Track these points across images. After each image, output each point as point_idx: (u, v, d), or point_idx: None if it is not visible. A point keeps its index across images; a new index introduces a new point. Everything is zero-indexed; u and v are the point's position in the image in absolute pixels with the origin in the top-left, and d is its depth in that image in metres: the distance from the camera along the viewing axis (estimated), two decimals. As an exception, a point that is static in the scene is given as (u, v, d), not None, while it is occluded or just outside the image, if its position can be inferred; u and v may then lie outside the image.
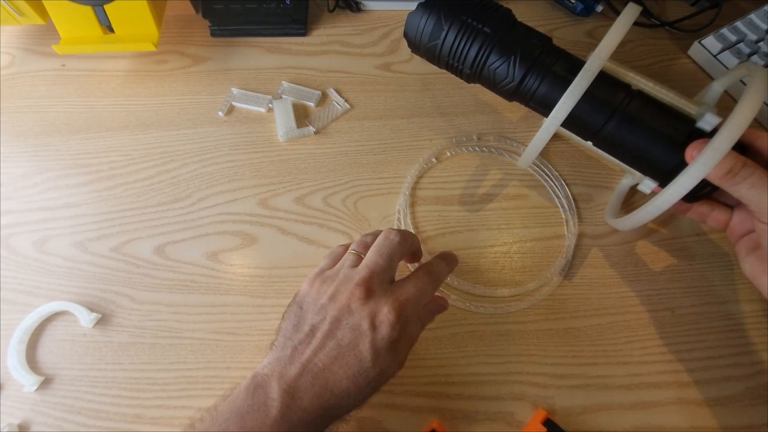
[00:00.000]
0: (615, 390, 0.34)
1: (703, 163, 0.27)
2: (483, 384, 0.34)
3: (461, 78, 0.38)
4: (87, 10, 0.42)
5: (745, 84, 0.30)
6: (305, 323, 0.27)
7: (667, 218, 0.40)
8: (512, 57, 0.34)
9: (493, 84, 0.36)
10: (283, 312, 0.29)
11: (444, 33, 0.35)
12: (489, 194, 0.41)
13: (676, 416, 0.33)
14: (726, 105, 0.28)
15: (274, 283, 0.37)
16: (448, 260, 0.32)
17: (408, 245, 0.30)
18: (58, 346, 0.34)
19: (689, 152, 0.29)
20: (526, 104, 0.36)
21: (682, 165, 0.29)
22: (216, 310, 0.36)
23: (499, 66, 0.34)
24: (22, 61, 0.47)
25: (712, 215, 0.32)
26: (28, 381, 0.33)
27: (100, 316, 0.35)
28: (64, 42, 0.44)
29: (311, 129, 0.43)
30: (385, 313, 0.26)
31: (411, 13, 0.36)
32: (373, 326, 0.26)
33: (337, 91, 0.45)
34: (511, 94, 0.36)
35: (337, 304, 0.27)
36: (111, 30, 0.44)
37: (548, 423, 0.32)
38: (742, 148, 0.29)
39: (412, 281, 0.29)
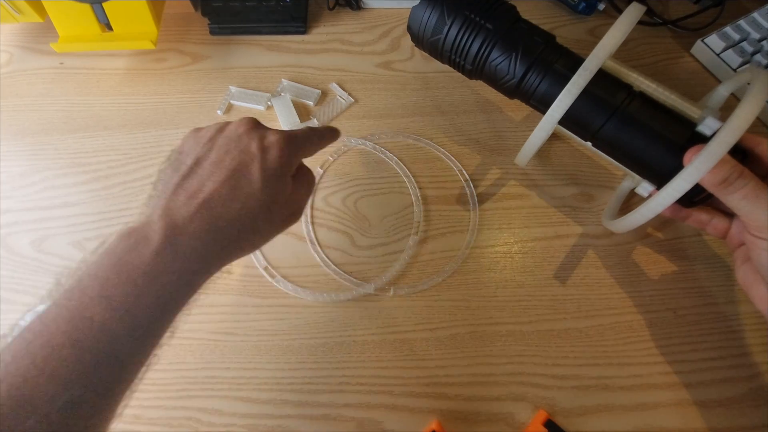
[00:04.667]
0: (616, 391, 0.33)
1: (697, 167, 0.26)
2: (483, 385, 0.34)
3: (463, 74, 0.38)
4: (85, 8, 0.42)
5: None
6: (188, 159, 0.26)
7: (668, 220, 0.40)
8: (514, 54, 0.34)
9: (494, 80, 0.36)
10: (158, 170, 0.27)
11: (447, 27, 0.35)
12: (489, 193, 0.41)
13: (678, 418, 0.33)
14: (733, 108, 0.28)
15: (273, 283, 0.37)
16: (332, 130, 0.32)
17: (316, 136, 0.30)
18: (56, 346, 0.34)
19: (687, 156, 0.29)
20: (527, 102, 0.36)
21: (679, 169, 0.28)
22: (214, 310, 0.36)
23: (500, 62, 0.34)
24: (20, 59, 0.47)
25: (711, 223, 0.32)
26: (25, 381, 0.32)
27: (98, 316, 0.35)
28: (62, 40, 0.43)
29: (315, 122, 0.43)
30: (274, 138, 0.26)
31: (415, 7, 0.36)
32: (262, 149, 0.26)
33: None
34: (512, 91, 0.36)
35: (224, 134, 0.26)
36: (109, 28, 0.44)
37: (549, 424, 0.31)
38: (742, 153, 0.29)
39: (300, 130, 0.29)
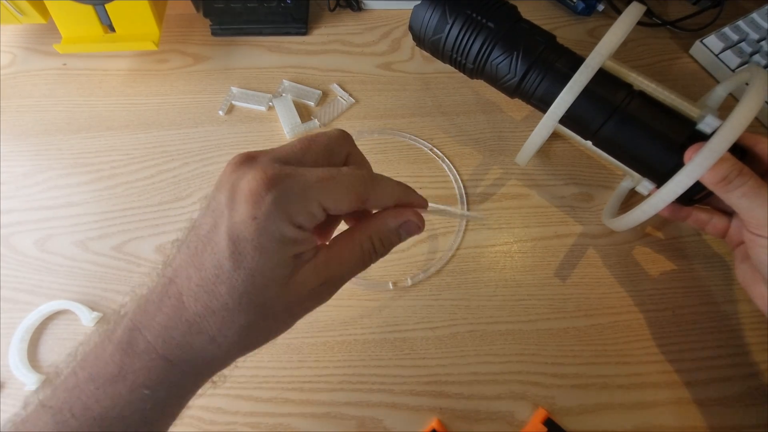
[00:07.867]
0: (615, 389, 0.34)
1: (698, 165, 0.27)
2: (483, 383, 0.34)
3: (464, 73, 0.38)
4: (88, 9, 0.42)
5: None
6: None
7: (667, 219, 0.40)
8: (515, 53, 0.34)
9: (495, 80, 0.36)
10: None
11: (448, 27, 0.35)
12: (490, 193, 0.41)
13: (677, 416, 0.33)
14: (732, 108, 0.28)
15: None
16: (406, 189, 0.22)
17: (337, 141, 0.21)
18: (60, 345, 0.34)
19: (688, 154, 0.29)
20: (528, 101, 0.36)
21: (679, 167, 0.28)
22: (217, 309, 0.36)
23: (501, 62, 0.34)
24: (24, 60, 0.47)
25: (711, 222, 0.32)
26: (29, 379, 0.33)
27: (101, 314, 0.35)
28: (65, 41, 0.44)
29: (316, 122, 0.43)
30: (247, 180, 0.17)
31: (416, 6, 0.37)
32: (232, 200, 0.17)
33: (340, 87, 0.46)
34: (513, 90, 0.36)
35: (216, 184, 0.19)
36: (112, 29, 0.44)
37: (549, 422, 0.32)
38: (741, 151, 0.29)
39: (325, 168, 0.19)
